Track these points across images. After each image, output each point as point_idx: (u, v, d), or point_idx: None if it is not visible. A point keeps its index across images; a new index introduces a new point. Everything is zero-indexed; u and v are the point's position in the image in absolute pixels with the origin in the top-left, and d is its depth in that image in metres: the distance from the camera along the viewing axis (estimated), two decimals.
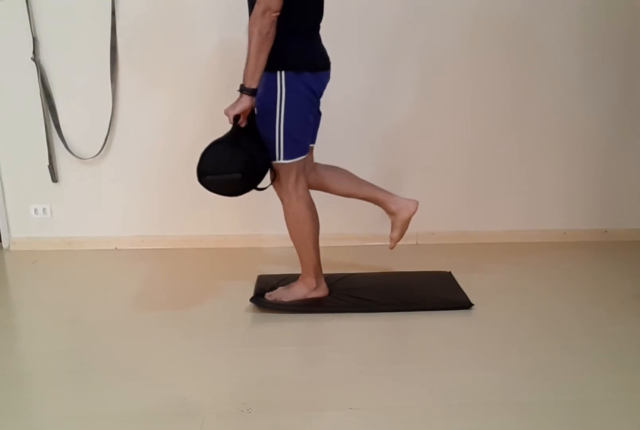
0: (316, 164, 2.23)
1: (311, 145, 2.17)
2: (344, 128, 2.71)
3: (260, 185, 2.04)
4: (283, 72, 1.93)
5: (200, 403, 1.63)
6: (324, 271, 2.24)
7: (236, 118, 1.95)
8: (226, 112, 1.95)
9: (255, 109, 1.99)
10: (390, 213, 2.25)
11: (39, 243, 2.90)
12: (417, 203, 2.23)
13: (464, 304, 2.19)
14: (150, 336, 2.03)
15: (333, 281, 2.32)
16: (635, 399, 1.63)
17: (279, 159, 2.01)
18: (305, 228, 2.11)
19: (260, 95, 1.96)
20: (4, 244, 2.95)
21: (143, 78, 2.72)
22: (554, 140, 2.86)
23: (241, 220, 2.88)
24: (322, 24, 2.01)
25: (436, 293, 2.30)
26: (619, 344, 1.93)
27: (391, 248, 2.31)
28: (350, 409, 1.60)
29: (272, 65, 1.90)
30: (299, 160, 2.05)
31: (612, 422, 1.53)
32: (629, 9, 2.69)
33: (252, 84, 1.90)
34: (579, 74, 2.78)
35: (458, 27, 2.69)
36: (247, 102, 1.92)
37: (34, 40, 2.64)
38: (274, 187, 2.10)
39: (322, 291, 2.22)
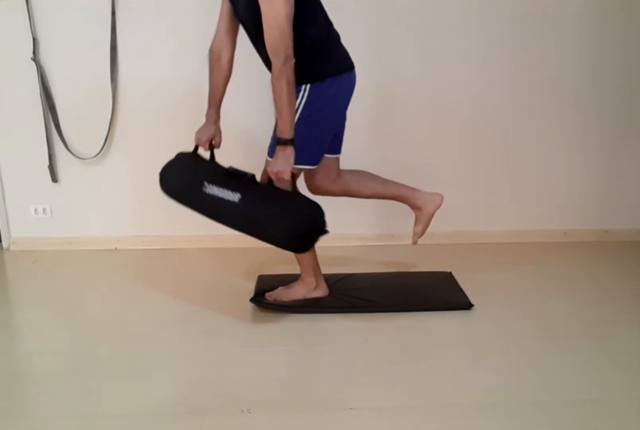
0: (341, 171, 2.22)
1: (336, 155, 2.17)
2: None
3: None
4: (308, 85, 1.92)
5: (200, 403, 1.63)
6: (324, 271, 2.24)
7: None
8: (279, 172, 1.85)
9: None
10: (416, 208, 2.25)
11: (39, 243, 2.90)
12: (442, 197, 2.24)
13: (464, 305, 2.19)
14: (150, 336, 2.03)
15: (333, 281, 2.32)
16: (635, 399, 1.63)
17: None
18: None
19: None
20: (4, 244, 2.95)
21: (143, 78, 2.72)
22: (554, 140, 2.86)
23: None
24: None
25: (436, 293, 2.30)
26: (619, 344, 1.93)
27: (414, 243, 2.31)
28: (350, 409, 1.60)
29: (296, 79, 1.85)
30: (297, 168, 1.98)
31: (612, 422, 1.53)
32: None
33: (292, 133, 1.85)
34: (577, 75, 2.78)
35: (463, 26, 2.69)
36: (293, 153, 1.86)
37: (34, 40, 2.64)
38: None
39: (322, 291, 2.22)
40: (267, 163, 2.03)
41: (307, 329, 2.07)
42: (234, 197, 1.90)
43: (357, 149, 2.65)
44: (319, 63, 1.93)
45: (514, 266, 2.63)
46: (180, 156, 2.11)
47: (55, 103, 2.73)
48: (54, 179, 2.81)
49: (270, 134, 2.03)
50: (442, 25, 2.69)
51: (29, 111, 2.73)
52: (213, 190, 1.93)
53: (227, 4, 1.96)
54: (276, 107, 1.83)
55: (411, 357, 1.87)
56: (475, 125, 2.83)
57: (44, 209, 2.88)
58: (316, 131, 1.97)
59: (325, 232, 1.92)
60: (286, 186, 1.93)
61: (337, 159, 2.19)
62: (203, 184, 1.95)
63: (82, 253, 2.86)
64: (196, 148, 2.09)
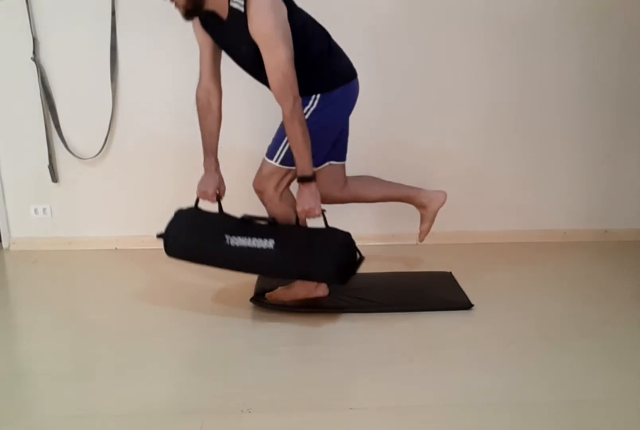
0: (347, 178, 2.23)
1: (342, 162, 2.18)
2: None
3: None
4: (318, 95, 1.94)
5: (200, 403, 1.63)
6: None
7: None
8: (310, 209, 1.87)
9: None
10: (422, 206, 2.29)
11: (39, 243, 2.90)
12: (445, 194, 2.27)
13: (464, 305, 2.19)
14: (150, 336, 2.03)
15: None
16: (634, 399, 1.63)
17: (275, 161, 2.00)
18: None
19: None
20: (4, 244, 2.95)
21: (143, 78, 2.72)
22: (554, 140, 2.87)
23: None
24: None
25: (436, 293, 2.30)
26: (618, 344, 1.93)
27: (421, 241, 2.35)
28: (350, 409, 1.60)
29: (305, 91, 1.87)
30: (294, 170, 1.99)
31: (611, 422, 1.53)
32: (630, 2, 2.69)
33: (312, 170, 1.88)
34: (577, 76, 2.78)
35: (462, 29, 2.69)
36: (317, 189, 1.89)
37: (34, 40, 2.64)
38: (256, 191, 2.07)
39: (322, 291, 2.22)
40: (263, 163, 2.05)
41: (307, 329, 2.07)
42: (267, 244, 1.90)
43: (357, 150, 2.66)
44: (325, 75, 1.95)
45: (514, 266, 2.63)
46: (182, 214, 2.07)
47: (55, 103, 2.73)
48: (54, 179, 2.81)
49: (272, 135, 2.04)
50: (442, 27, 2.69)
51: (29, 111, 2.73)
52: (239, 241, 1.92)
53: (209, 50, 1.96)
54: (292, 147, 1.86)
55: (411, 357, 1.87)
56: (475, 125, 2.83)
57: (44, 209, 2.88)
58: (319, 135, 1.97)
59: (362, 259, 1.97)
60: (305, 222, 1.97)
61: (343, 166, 2.20)
62: (224, 238, 1.93)
63: (82, 253, 2.86)
64: (197, 201, 2.06)
